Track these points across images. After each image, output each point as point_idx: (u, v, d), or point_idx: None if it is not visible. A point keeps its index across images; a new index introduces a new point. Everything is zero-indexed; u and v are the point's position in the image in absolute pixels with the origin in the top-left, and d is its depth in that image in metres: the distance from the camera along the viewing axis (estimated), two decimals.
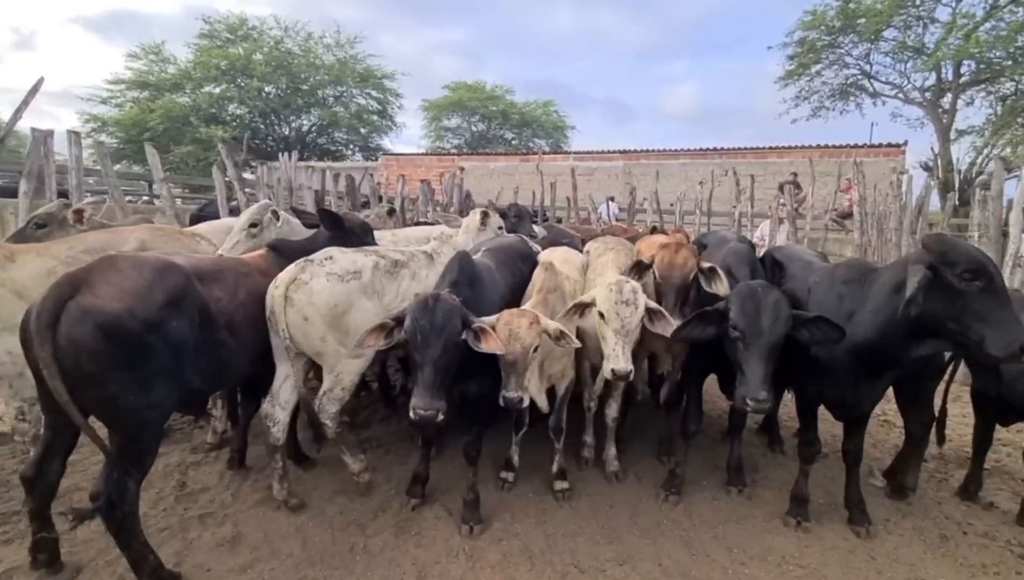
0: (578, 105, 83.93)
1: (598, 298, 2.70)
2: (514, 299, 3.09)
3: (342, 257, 2.83)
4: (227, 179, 6.34)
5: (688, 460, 3.32)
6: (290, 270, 2.69)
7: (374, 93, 28.08)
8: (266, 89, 26.39)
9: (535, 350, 2.55)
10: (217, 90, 25.99)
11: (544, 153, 19.72)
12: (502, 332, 2.48)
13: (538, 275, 3.10)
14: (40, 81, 3.84)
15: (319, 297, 2.64)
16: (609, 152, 18.03)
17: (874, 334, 2.46)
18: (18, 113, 3.63)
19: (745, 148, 16.39)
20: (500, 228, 4.02)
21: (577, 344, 2.74)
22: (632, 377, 2.64)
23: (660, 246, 3.10)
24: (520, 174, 17.11)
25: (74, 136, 4.62)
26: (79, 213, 3.38)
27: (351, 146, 29.47)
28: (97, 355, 1.85)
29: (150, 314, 1.97)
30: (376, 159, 22.76)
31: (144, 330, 1.95)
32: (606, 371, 2.62)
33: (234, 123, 25.92)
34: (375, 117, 28.68)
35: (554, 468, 3.22)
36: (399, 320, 2.37)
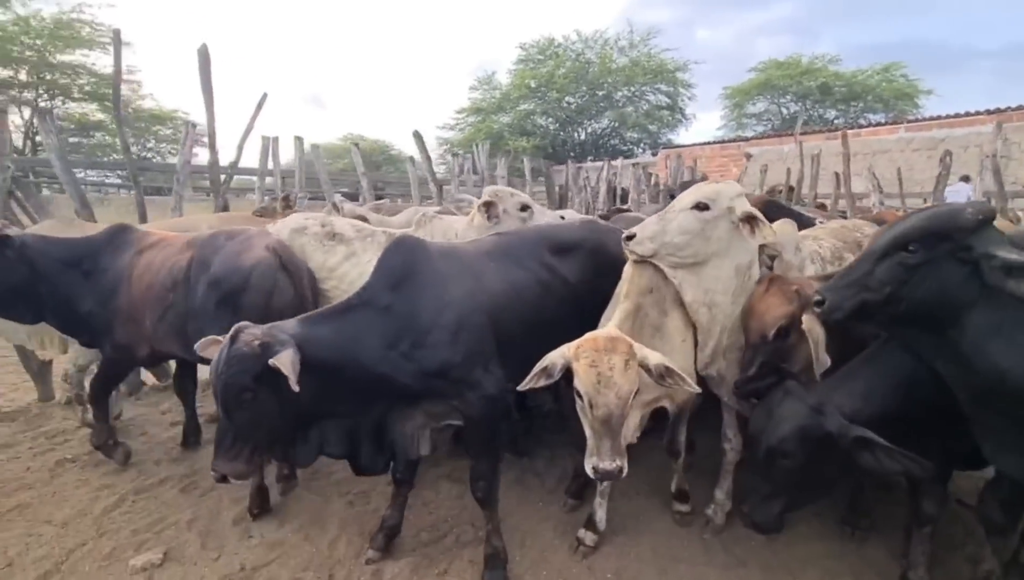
0: (955, 64, 63.08)
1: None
2: (521, 304, 2.34)
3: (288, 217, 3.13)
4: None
5: None
6: None
7: (663, 88, 27.52)
8: (567, 99, 28.82)
9: (635, 396, 1.86)
10: (529, 106, 29.74)
11: (866, 128, 15.31)
12: (587, 377, 1.81)
13: (627, 273, 2.26)
14: (264, 97, 4.97)
15: None
16: (970, 114, 12.71)
17: None
18: (252, 123, 4.82)
19: None
20: (525, 209, 3.09)
21: (696, 389, 1.93)
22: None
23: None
24: (825, 156, 13.72)
25: (298, 142, 5.90)
26: (286, 201, 4.22)
27: (642, 144, 29.52)
28: None
29: None
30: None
31: None
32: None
33: (538, 133, 29.18)
34: (665, 112, 28.08)
35: (673, 487, 2.67)
36: None
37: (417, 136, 6.51)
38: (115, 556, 2.49)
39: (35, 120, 16.40)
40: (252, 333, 1.88)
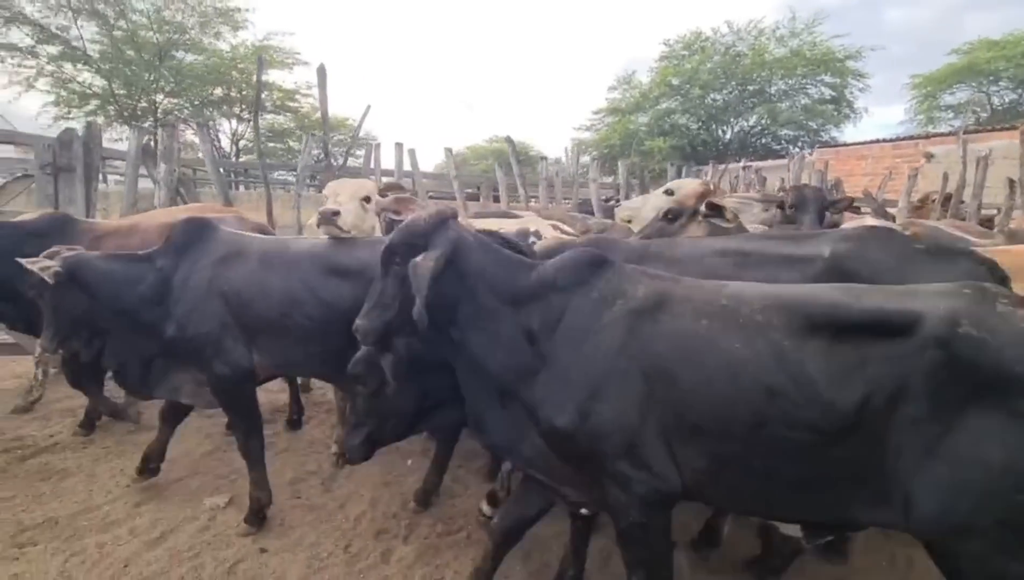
0: None
1: None
2: (268, 309, 2.54)
3: None
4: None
5: None
6: None
7: (827, 79, 24.30)
8: (712, 96, 26.86)
9: None
10: (669, 105, 28.31)
11: None
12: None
13: None
14: (368, 108, 5.43)
15: None
16: None
17: None
18: (357, 131, 5.31)
19: None
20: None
21: None
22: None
23: None
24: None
25: (398, 147, 6.34)
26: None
27: (799, 142, 26.43)
28: None
29: None
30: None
31: None
32: None
33: (677, 132, 27.64)
34: (828, 106, 24.79)
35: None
36: None
37: (509, 141, 6.72)
38: (197, 493, 3.00)
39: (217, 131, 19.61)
40: (50, 251, 2.42)
